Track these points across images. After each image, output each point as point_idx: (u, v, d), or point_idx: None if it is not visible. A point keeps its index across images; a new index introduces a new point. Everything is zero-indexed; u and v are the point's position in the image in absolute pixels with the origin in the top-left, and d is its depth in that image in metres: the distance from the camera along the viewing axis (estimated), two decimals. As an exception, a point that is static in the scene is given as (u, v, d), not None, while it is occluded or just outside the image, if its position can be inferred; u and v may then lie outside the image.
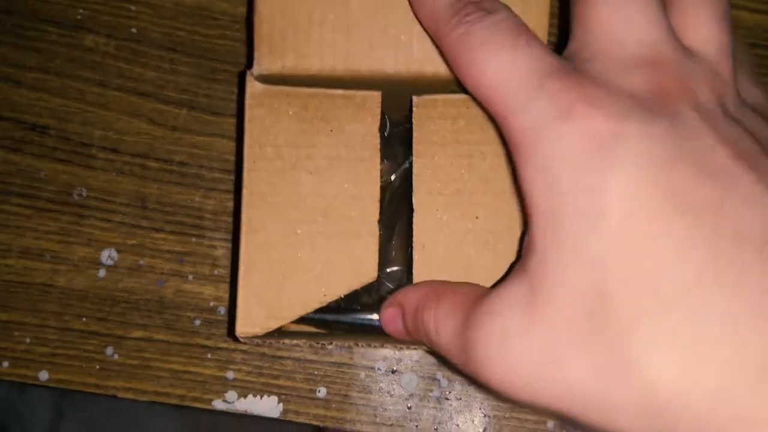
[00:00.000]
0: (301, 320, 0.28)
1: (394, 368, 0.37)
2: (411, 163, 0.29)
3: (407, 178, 0.32)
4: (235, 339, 0.27)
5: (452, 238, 0.27)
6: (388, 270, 0.32)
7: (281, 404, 0.37)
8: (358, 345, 0.30)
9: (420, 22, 0.26)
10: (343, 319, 0.30)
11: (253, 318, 0.27)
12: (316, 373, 0.37)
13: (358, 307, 0.31)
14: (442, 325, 0.24)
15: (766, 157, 0.20)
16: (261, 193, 0.27)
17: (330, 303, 0.27)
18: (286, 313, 0.27)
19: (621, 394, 0.19)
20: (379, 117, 0.28)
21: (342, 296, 0.28)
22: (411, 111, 0.29)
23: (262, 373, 0.37)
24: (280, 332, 0.28)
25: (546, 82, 0.21)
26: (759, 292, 0.18)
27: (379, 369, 0.37)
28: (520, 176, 0.21)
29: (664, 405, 0.18)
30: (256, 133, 0.27)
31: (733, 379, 0.18)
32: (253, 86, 0.27)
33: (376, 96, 0.28)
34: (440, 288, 0.26)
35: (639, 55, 0.21)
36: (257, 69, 0.27)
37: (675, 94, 0.20)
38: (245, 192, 0.27)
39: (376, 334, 0.30)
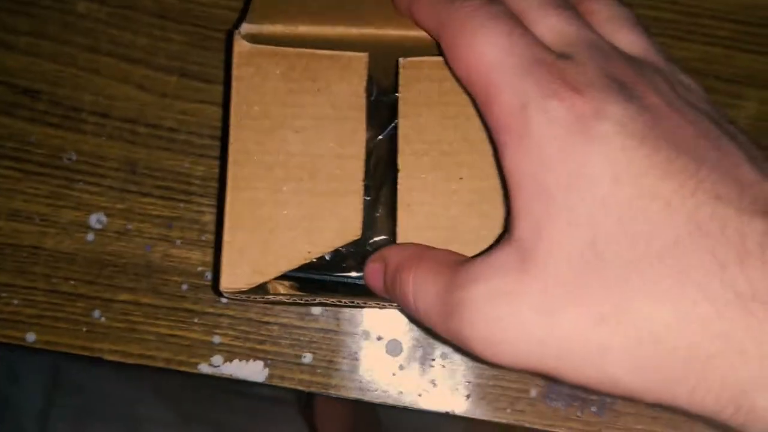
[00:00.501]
0: (285, 277, 0.28)
1: (380, 335, 0.37)
2: (396, 127, 0.30)
3: (393, 144, 0.32)
4: (219, 294, 0.27)
5: (437, 198, 0.28)
6: (374, 239, 0.32)
7: (267, 369, 0.37)
8: (341, 303, 0.30)
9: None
10: (327, 277, 0.30)
11: (238, 273, 0.27)
12: (302, 339, 0.37)
13: (343, 270, 0.31)
14: (421, 289, 0.24)
15: (722, 135, 0.22)
16: (247, 151, 0.27)
17: (314, 261, 0.27)
18: (270, 269, 0.27)
19: (616, 339, 0.20)
20: (365, 78, 0.28)
21: (326, 254, 0.28)
22: (397, 74, 0.30)
23: (249, 338, 0.37)
24: (263, 289, 0.28)
25: (536, 67, 0.22)
26: (739, 237, 0.19)
27: (364, 335, 0.37)
28: (508, 154, 0.23)
29: (657, 343, 0.20)
30: (244, 91, 0.28)
31: (719, 311, 0.19)
32: (240, 45, 0.28)
33: (362, 57, 0.28)
34: (421, 251, 0.26)
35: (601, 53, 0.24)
36: (246, 28, 0.28)
37: (638, 84, 0.23)
38: (231, 149, 0.27)
39: (360, 293, 0.30)
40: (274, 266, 0.27)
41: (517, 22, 0.24)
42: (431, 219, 0.27)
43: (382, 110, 0.32)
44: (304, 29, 0.28)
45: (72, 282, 0.37)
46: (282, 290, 0.31)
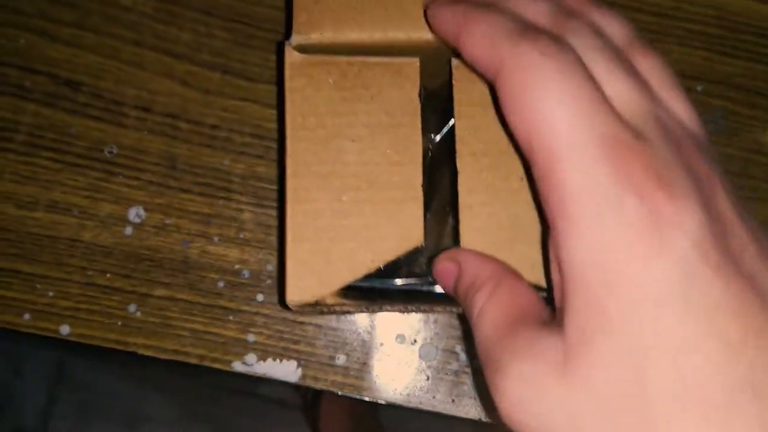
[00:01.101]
0: (349, 288, 0.28)
1: (414, 339, 0.37)
2: (451, 129, 0.29)
3: (447, 147, 0.32)
4: (286, 307, 0.27)
5: (498, 198, 0.27)
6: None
7: (300, 369, 0.37)
8: (408, 311, 0.30)
9: (438, 24, 0.26)
10: (392, 285, 0.30)
11: (303, 286, 0.26)
12: (336, 340, 0.37)
13: (399, 278, 0.31)
14: (484, 322, 0.24)
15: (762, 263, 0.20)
16: (305, 162, 0.27)
17: (377, 270, 0.27)
18: (334, 280, 0.27)
19: None
20: (418, 83, 0.28)
21: (388, 262, 0.28)
22: (451, 75, 0.29)
23: (283, 338, 0.37)
24: (328, 300, 0.28)
25: (614, 149, 0.19)
26: None
27: (399, 339, 0.37)
28: (563, 243, 0.20)
29: None
30: (298, 103, 0.27)
31: None
32: (292, 56, 0.28)
33: (414, 62, 0.28)
34: (500, 276, 0.25)
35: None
36: (295, 39, 0.28)
37: (710, 179, 0.21)
38: (289, 161, 0.27)
39: (426, 300, 0.30)
40: (338, 277, 0.27)
41: (590, 79, 0.21)
42: (493, 219, 0.27)
43: (428, 111, 0.32)
44: (353, 36, 0.28)
45: (108, 275, 0.37)
46: (346, 300, 0.31)
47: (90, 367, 1.03)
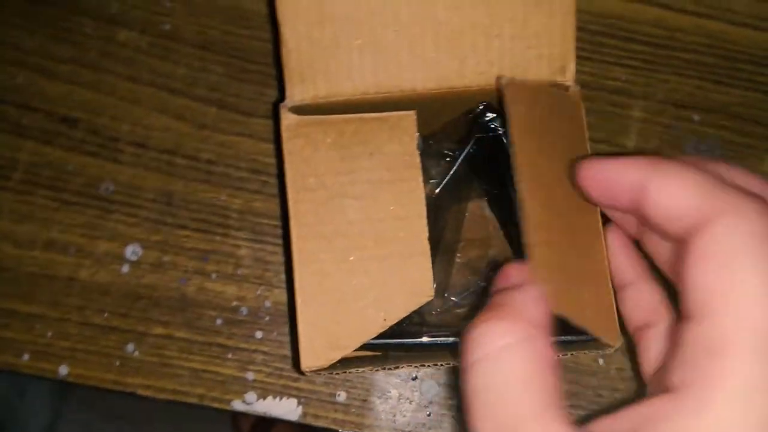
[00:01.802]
0: (363, 346, 0.28)
1: (415, 375, 0.37)
2: (443, 181, 0.29)
3: (443, 194, 0.32)
4: (301, 373, 0.27)
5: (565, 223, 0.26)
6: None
7: (300, 407, 0.36)
8: (426, 365, 0.30)
9: None
10: (406, 342, 0.30)
11: (316, 349, 0.26)
12: (336, 377, 0.37)
13: (409, 328, 0.31)
14: None
15: None
16: (309, 224, 0.27)
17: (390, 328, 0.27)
18: (348, 342, 0.26)
19: None
20: (415, 136, 0.28)
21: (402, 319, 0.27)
22: (456, 123, 0.29)
23: (283, 375, 0.37)
24: (343, 361, 0.28)
25: None
26: None
27: (399, 375, 0.37)
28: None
29: None
30: (297, 164, 0.27)
31: None
32: (287, 118, 0.27)
33: (410, 115, 0.28)
34: None
35: None
36: (290, 101, 0.27)
37: None
38: (293, 224, 0.27)
39: (440, 353, 0.30)
40: (351, 338, 0.26)
41: None
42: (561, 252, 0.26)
43: (428, 158, 0.32)
44: (348, 93, 0.28)
45: (106, 314, 0.37)
46: (361, 358, 0.31)
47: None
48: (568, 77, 0.27)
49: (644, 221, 0.23)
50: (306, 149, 0.27)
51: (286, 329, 0.37)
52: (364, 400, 0.37)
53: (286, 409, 0.36)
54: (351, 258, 0.27)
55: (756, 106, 0.41)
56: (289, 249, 0.27)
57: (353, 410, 0.37)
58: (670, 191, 0.22)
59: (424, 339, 0.29)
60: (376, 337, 0.26)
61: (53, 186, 0.38)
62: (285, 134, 0.27)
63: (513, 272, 0.24)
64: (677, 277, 0.21)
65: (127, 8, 0.39)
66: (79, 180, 0.38)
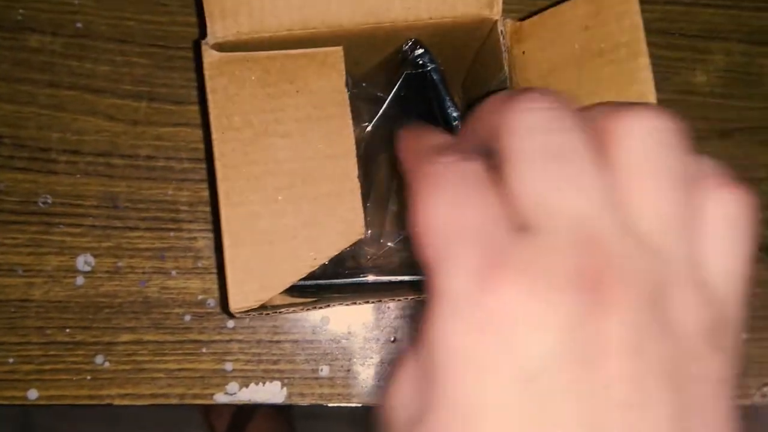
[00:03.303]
0: (293, 288, 0.27)
1: (393, 336, 0.37)
2: (375, 123, 0.29)
3: (374, 137, 0.31)
4: (231, 315, 0.26)
5: None
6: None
7: (285, 388, 0.36)
8: (356, 303, 0.29)
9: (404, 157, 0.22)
10: (336, 282, 0.30)
11: (246, 291, 0.26)
12: (316, 352, 0.36)
13: (345, 272, 0.30)
14: None
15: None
16: (235, 164, 0.26)
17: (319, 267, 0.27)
18: (277, 282, 0.26)
19: None
20: (343, 72, 0.27)
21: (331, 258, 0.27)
22: (386, 64, 0.29)
23: (261, 360, 0.36)
24: (273, 304, 0.27)
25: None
26: None
27: (378, 339, 0.37)
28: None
29: None
30: (221, 103, 0.26)
31: None
32: (210, 55, 0.26)
33: (338, 51, 0.27)
34: None
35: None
36: (212, 37, 0.26)
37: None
38: (218, 165, 0.26)
39: (371, 291, 0.30)
40: (281, 278, 0.26)
41: (486, 182, 0.18)
42: None
43: (357, 100, 0.31)
44: (272, 29, 0.27)
45: (68, 330, 0.35)
46: (293, 300, 0.30)
47: (57, 413, 0.99)
48: (495, 12, 0.27)
49: None
50: (230, 87, 0.26)
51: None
52: (348, 371, 0.36)
53: (271, 393, 0.36)
54: (280, 198, 0.26)
55: (679, 19, 0.41)
56: (215, 190, 0.26)
57: (338, 382, 0.36)
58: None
59: (347, 279, 0.29)
60: (306, 278, 0.26)
61: (-12, 208, 0.36)
62: (207, 72, 0.26)
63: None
64: None
65: (33, 12, 0.37)
66: (13, 198, 0.36)
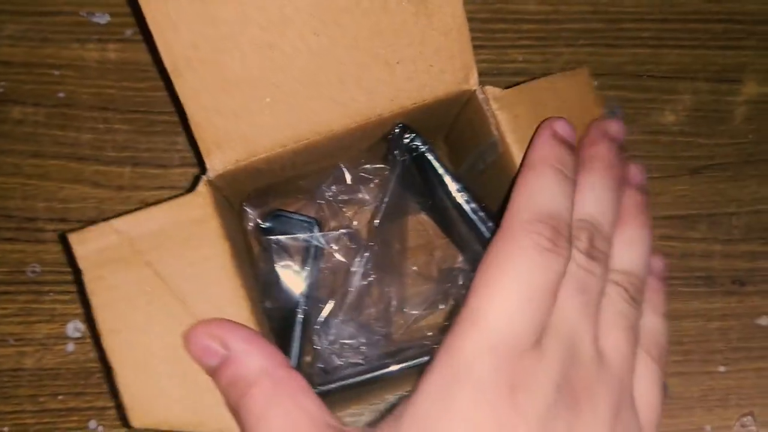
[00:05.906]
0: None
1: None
2: (382, 215, 0.30)
3: (382, 220, 0.32)
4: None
5: None
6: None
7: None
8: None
9: None
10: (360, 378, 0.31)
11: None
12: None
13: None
14: (272, 427, 0.23)
15: None
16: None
17: None
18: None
19: None
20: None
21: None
22: (376, 146, 0.30)
23: (253, 417, 0.37)
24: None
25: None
26: None
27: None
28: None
29: None
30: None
31: None
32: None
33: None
34: (278, 372, 0.24)
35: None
36: (212, 171, 0.26)
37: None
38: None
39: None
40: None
41: None
42: None
43: (359, 189, 0.32)
44: (267, 150, 0.27)
45: (60, 397, 0.36)
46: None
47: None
48: (472, 83, 0.28)
49: None
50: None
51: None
52: None
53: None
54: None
55: (647, 61, 0.42)
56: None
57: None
58: None
59: (393, 368, 0.30)
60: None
61: (-23, 280, 0.36)
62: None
63: None
64: None
65: (14, 84, 0.38)
66: (2, 269, 0.37)
